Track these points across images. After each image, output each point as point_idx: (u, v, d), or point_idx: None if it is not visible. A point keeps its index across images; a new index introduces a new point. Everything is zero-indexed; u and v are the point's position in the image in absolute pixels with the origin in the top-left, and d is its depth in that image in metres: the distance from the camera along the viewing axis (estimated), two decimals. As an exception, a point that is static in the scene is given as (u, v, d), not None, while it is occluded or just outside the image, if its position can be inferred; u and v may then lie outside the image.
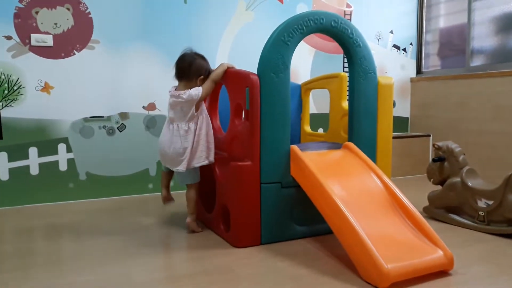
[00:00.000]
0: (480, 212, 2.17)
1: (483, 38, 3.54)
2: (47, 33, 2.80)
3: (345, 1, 3.72)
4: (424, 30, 4.09)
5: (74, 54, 2.88)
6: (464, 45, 3.70)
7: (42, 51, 2.80)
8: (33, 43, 2.76)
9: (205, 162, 2.17)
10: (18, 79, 2.76)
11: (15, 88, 2.76)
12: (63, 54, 2.85)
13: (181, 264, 1.83)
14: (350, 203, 1.75)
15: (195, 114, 2.11)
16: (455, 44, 3.84)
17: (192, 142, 2.10)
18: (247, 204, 1.96)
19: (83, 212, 2.66)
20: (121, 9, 2.97)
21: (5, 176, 2.77)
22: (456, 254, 1.72)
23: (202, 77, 2.13)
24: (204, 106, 2.19)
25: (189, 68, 2.10)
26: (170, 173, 2.33)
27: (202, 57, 2.17)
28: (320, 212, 1.80)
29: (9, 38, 2.72)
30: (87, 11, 2.88)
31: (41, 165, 2.85)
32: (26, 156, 2.81)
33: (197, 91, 2.07)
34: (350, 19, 3.73)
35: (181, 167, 2.12)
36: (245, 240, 1.98)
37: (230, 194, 2.01)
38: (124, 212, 2.65)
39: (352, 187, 1.87)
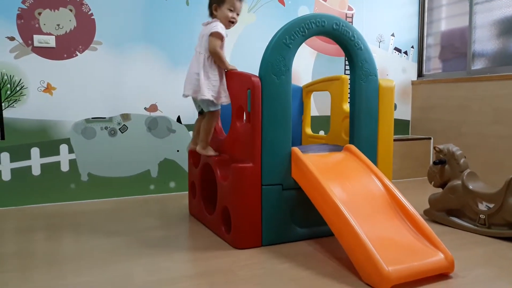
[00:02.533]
0: (481, 215, 2.17)
1: (484, 41, 3.55)
2: (50, 34, 2.81)
3: (346, 4, 3.73)
4: (425, 33, 4.10)
5: (77, 55, 2.89)
6: (465, 48, 3.70)
7: (45, 52, 2.81)
8: (35, 44, 2.77)
9: (209, 98, 2.16)
10: (20, 79, 2.77)
11: (18, 88, 2.77)
12: (65, 55, 2.86)
13: (181, 265, 1.84)
14: (351, 205, 1.75)
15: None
16: (456, 47, 3.85)
17: (207, 71, 2.16)
18: (248, 206, 1.96)
19: (84, 212, 2.67)
20: (124, 10, 2.98)
21: (7, 176, 2.78)
22: (457, 257, 1.72)
23: (215, 4, 2.23)
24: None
25: (209, 2, 2.27)
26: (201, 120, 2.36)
27: None
28: (321, 214, 1.81)
29: (11, 39, 2.73)
30: (89, 13, 2.89)
31: (43, 166, 2.86)
32: (28, 157, 2.82)
33: (216, 28, 2.15)
34: (352, 22, 3.74)
35: (204, 95, 2.14)
36: (246, 242, 1.98)
37: (231, 195, 2.01)
38: (125, 213, 2.66)
39: (353, 189, 1.88)
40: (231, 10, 2.23)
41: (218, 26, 2.17)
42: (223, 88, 2.18)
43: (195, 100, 2.28)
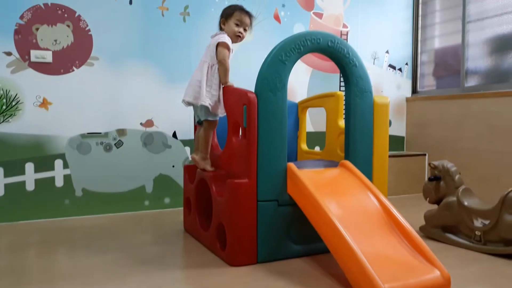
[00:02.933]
0: (476, 232, 2.17)
1: (477, 59, 3.60)
2: (47, 49, 2.82)
3: (341, 22, 3.78)
4: (419, 50, 4.16)
5: (73, 70, 2.90)
6: (458, 66, 3.75)
7: (41, 67, 2.82)
8: (32, 59, 2.79)
9: (207, 105, 2.17)
10: (16, 94, 2.77)
11: (13, 103, 2.77)
12: (62, 70, 2.87)
13: (176, 283, 1.81)
14: (347, 221, 1.74)
15: (217, 61, 2.21)
16: (450, 64, 3.90)
17: (208, 78, 2.20)
18: (243, 222, 1.95)
19: (78, 228, 2.64)
20: (121, 26, 3.00)
21: (0, 192, 2.75)
22: (453, 274, 1.71)
23: (222, 19, 2.30)
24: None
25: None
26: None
27: (240, 8, 2.30)
28: (316, 231, 1.80)
29: (8, 54, 2.74)
30: (87, 28, 2.92)
31: (37, 181, 2.84)
32: (22, 172, 2.80)
33: (223, 38, 2.20)
34: (347, 39, 3.79)
35: (201, 101, 2.17)
36: (241, 259, 1.96)
37: (227, 211, 2.00)
38: (119, 229, 2.63)
39: (348, 205, 1.88)
40: (237, 25, 2.27)
41: (226, 37, 2.21)
42: (220, 100, 2.20)
43: (195, 108, 2.29)
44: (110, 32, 2.97)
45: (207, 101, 2.16)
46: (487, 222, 2.13)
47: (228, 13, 2.29)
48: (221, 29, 2.32)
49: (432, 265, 1.65)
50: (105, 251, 2.19)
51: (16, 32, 2.75)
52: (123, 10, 3.00)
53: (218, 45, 2.20)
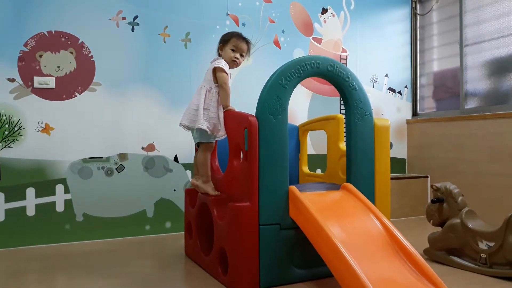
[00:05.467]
0: (481, 254, 2.14)
1: (476, 81, 3.63)
2: (50, 75, 2.86)
3: (340, 46, 3.84)
4: (418, 73, 4.20)
5: (76, 96, 2.93)
6: (457, 88, 3.78)
7: (44, 93, 2.85)
8: (35, 85, 2.82)
9: (204, 128, 2.18)
10: (19, 120, 2.79)
11: (16, 129, 2.79)
12: (64, 96, 2.90)
13: (177, 308, 1.78)
14: (350, 245, 1.72)
15: (215, 85, 2.25)
16: (449, 87, 3.93)
17: (206, 102, 2.22)
18: (245, 246, 1.93)
19: (78, 254, 2.61)
20: (123, 52, 3.05)
21: (1, 217, 2.74)
22: (459, 298, 1.68)
23: (220, 45, 2.36)
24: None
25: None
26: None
27: (231, 32, 2.39)
28: (319, 255, 1.78)
29: (12, 80, 2.77)
30: (89, 55, 2.96)
31: (37, 206, 2.83)
32: (23, 197, 2.79)
33: (219, 63, 2.24)
34: (346, 64, 3.83)
35: (200, 124, 2.18)
36: (243, 284, 1.93)
37: (228, 235, 1.99)
38: (120, 254, 2.60)
39: (351, 228, 1.86)
40: (233, 51, 2.32)
41: (222, 62, 2.26)
42: (220, 122, 2.22)
43: (192, 131, 2.30)
44: (113, 58, 3.02)
45: (204, 124, 2.17)
46: (492, 244, 2.10)
47: (225, 39, 2.34)
48: (219, 54, 2.36)
49: (437, 289, 1.62)
50: (106, 276, 2.16)
51: (20, 59, 2.79)
52: (126, 37, 3.06)
53: (215, 70, 2.24)
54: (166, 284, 2.06)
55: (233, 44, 2.32)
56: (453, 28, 3.83)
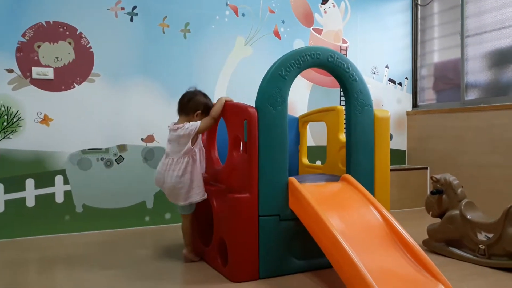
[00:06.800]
0: (480, 246, 2.15)
1: (477, 72, 3.61)
2: (48, 66, 2.84)
3: (341, 37, 3.81)
4: (419, 64, 4.18)
5: (74, 87, 2.91)
6: (458, 80, 3.76)
7: (43, 84, 2.83)
8: (34, 76, 2.80)
9: (204, 197, 2.18)
10: (18, 111, 2.78)
11: (15, 120, 2.78)
12: (63, 87, 2.89)
13: (177, 299, 1.79)
14: (349, 236, 1.73)
15: (191, 147, 2.14)
16: (449, 78, 3.92)
17: (188, 176, 2.14)
18: (244, 237, 1.94)
19: (78, 245, 2.62)
20: (122, 43, 3.03)
21: (0, 208, 2.74)
22: (458, 289, 1.69)
23: (199, 111, 2.20)
24: (200, 140, 2.24)
25: (188, 103, 2.20)
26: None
27: (203, 94, 2.25)
28: (319, 246, 1.78)
29: (10, 71, 2.76)
30: (88, 45, 2.94)
31: (37, 197, 2.83)
32: (22, 188, 2.79)
33: (194, 126, 2.13)
34: (346, 55, 3.81)
35: (182, 201, 2.16)
36: (243, 275, 1.94)
37: (228, 227, 1.99)
38: (120, 245, 2.61)
39: (351, 220, 1.86)
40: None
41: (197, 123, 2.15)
42: (198, 185, 2.19)
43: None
44: (111, 49, 3.00)
45: (199, 195, 2.16)
46: (491, 235, 2.11)
47: (206, 106, 2.21)
48: (191, 119, 2.18)
49: (436, 280, 1.63)
50: (106, 267, 2.17)
51: (18, 49, 2.77)
52: (124, 27, 3.03)
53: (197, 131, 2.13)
54: (165, 275, 2.07)
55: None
56: (454, 18, 3.80)
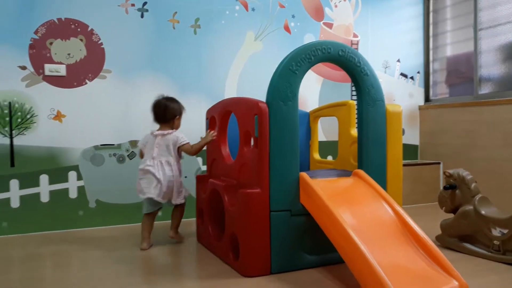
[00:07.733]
0: (494, 241, 2.12)
1: (490, 66, 3.56)
2: (61, 63, 2.87)
3: (351, 31, 3.78)
4: (431, 58, 4.13)
5: (86, 83, 2.94)
6: (471, 73, 3.71)
7: (55, 81, 2.86)
8: (46, 72, 2.83)
9: (186, 194, 2.52)
10: (31, 107, 2.81)
11: (28, 116, 2.81)
12: (75, 83, 2.91)
13: (189, 293, 1.80)
14: (361, 231, 1.72)
15: (177, 154, 2.45)
16: (462, 72, 3.86)
17: (178, 174, 2.45)
18: (256, 233, 1.94)
19: (92, 240, 2.65)
20: (133, 39, 3.04)
21: (16, 204, 2.78)
22: (472, 284, 1.67)
23: (177, 116, 2.50)
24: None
25: (165, 112, 2.48)
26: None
27: (174, 100, 2.53)
28: (330, 241, 1.78)
29: (23, 68, 2.79)
30: (99, 42, 2.96)
31: (51, 193, 2.87)
32: (37, 184, 2.83)
33: (184, 139, 2.44)
34: (357, 49, 3.78)
35: (177, 199, 2.46)
36: (255, 270, 1.95)
37: (239, 222, 1.99)
38: (133, 240, 2.63)
39: (363, 215, 1.85)
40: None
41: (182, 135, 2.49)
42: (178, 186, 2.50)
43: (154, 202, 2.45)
44: (122, 45, 3.01)
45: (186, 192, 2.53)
46: (505, 231, 2.08)
47: (180, 110, 2.52)
48: (172, 124, 2.51)
49: (449, 275, 1.62)
50: (119, 262, 2.19)
51: (31, 46, 2.80)
52: (135, 24, 3.05)
53: (182, 146, 2.45)
54: (178, 270, 2.08)
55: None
56: (467, 11, 3.74)
